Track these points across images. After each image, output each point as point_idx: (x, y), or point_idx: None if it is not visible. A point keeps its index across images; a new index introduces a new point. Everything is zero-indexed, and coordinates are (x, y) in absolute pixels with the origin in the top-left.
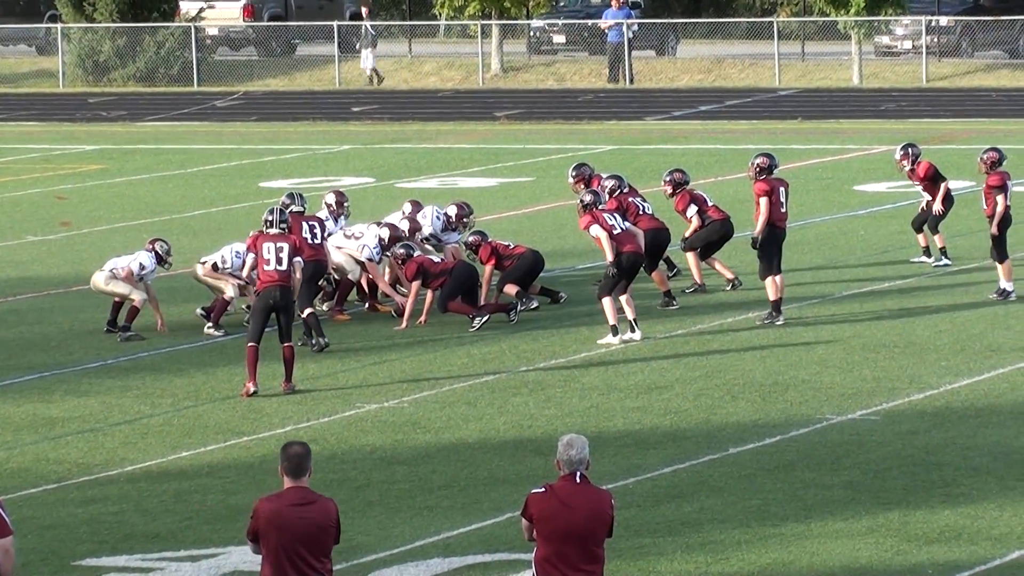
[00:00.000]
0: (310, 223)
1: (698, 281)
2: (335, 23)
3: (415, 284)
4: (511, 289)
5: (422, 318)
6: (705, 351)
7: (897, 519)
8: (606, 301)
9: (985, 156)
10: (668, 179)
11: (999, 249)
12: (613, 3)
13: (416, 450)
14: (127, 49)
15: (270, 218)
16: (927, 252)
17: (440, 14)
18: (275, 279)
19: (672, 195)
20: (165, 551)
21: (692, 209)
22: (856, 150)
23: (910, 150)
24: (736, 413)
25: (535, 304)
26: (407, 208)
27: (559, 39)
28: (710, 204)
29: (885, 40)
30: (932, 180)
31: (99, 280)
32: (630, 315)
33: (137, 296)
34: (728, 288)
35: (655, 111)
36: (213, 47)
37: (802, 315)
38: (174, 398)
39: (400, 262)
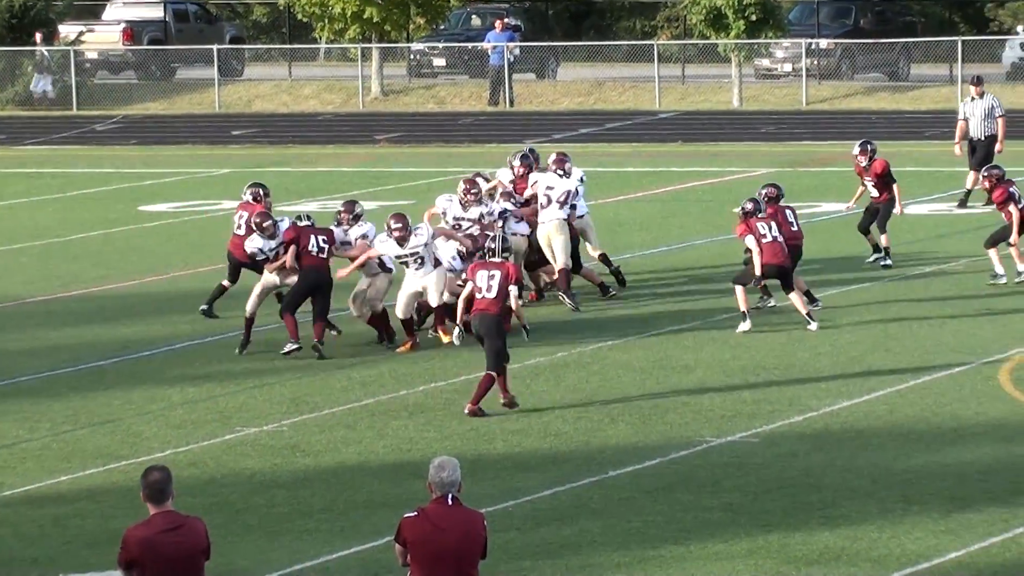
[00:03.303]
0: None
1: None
2: (215, 47)
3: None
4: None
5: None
6: (585, 373)
7: (776, 541)
8: (738, 289)
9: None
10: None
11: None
12: (496, 25)
13: (295, 474)
14: (6, 72)
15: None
16: (877, 249)
17: (320, 37)
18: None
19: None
20: None
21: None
22: (736, 172)
23: (868, 146)
24: (616, 436)
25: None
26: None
27: (439, 62)
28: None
29: (765, 63)
30: (885, 178)
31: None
32: (803, 310)
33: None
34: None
35: (535, 134)
36: (92, 70)
37: (681, 337)
38: (52, 422)
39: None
